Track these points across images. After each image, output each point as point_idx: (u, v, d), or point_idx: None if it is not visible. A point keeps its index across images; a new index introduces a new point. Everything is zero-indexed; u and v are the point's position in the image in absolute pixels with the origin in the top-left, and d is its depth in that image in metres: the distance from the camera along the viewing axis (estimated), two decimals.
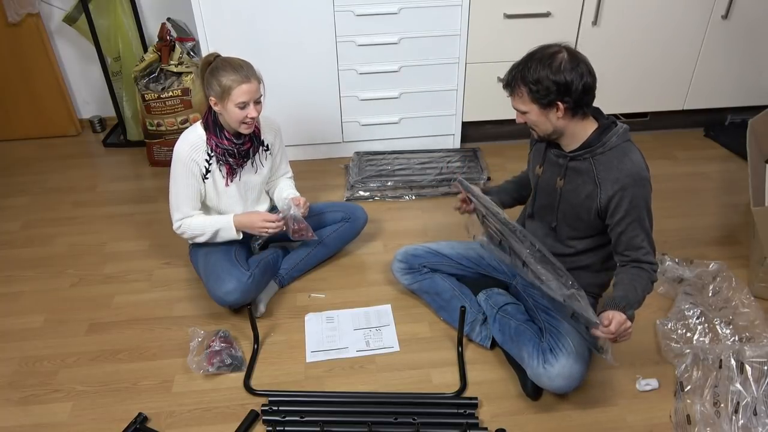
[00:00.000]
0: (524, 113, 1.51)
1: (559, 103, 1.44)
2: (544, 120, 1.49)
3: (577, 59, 1.43)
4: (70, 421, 1.63)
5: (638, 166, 1.47)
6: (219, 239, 1.93)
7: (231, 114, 1.74)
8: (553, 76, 1.41)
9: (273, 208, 2.11)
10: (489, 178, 2.71)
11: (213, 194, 1.91)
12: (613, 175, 1.47)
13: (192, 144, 1.83)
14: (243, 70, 1.71)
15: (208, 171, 1.86)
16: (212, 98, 1.75)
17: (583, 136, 1.51)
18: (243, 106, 1.72)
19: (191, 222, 1.90)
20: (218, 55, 1.77)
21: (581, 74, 1.41)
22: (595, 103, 1.51)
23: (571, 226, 1.63)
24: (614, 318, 1.37)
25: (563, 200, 1.60)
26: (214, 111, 1.80)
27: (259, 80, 1.75)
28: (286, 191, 2.06)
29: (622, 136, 1.50)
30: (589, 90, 1.44)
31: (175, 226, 1.91)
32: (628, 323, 1.40)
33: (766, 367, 1.59)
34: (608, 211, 1.51)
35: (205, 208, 1.96)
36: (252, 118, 1.76)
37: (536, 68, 1.43)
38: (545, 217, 1.70)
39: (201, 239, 1.93)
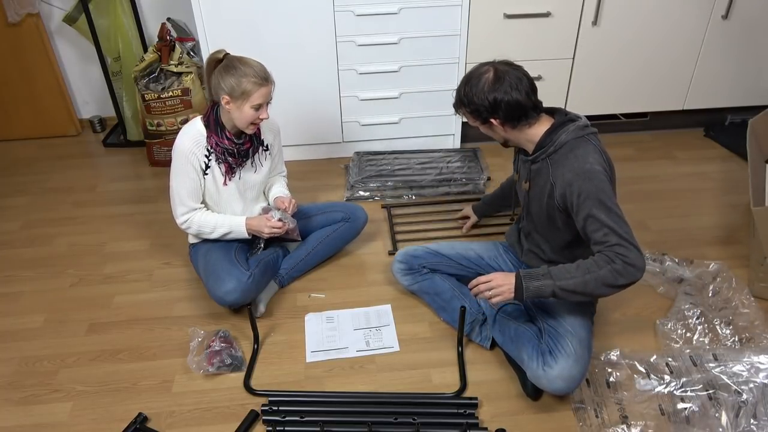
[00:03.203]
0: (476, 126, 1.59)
1: (492, 120, 1.52)
2: (492, 132, 1.59)
3: (500, 78, 1.48)
4: (70, 421, 1.63)
5: (582, 160, 1.46)
6: (225, 238, 1.94)
7: (244, 114, 1.74)
8: (477, 98, 1.50)
9: None
10: (489, 178, 2.71)
11: (213, 190, 1.91)
12: (560, 171, 1.50)
13: (193, 138, 1.82)
14: (263, 72, 1.73)
15: (207, 167, 1.86)
16: (225, 97, 1.72)
17: (537, 138, 1.55)
18: (258, 107, 1.74)
19: (201, 217, 1.90)
20: (227, 53, 1.76)
21: (505, 92, 1.47)
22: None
23: (546, 230, 1.64)
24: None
25: (531, 203, 1.63)
26: (216, 109, 1.80)
27: (273, 82, 1.77)
28: (275, 189, 2.07)
29: (574, 132, 1.50)
30: (516, 105, 1.48)
31: (180, 220, 1.91)
32: (489, 282, 1.54)
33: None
34: (567, 210, 1.52)
35: (204, 204, 1.96)
36: (261, 120, 1.77)
37: (467, 90, 1.53)
38: (521, 222, 1.73)
39: (209, 236, 1.93)
